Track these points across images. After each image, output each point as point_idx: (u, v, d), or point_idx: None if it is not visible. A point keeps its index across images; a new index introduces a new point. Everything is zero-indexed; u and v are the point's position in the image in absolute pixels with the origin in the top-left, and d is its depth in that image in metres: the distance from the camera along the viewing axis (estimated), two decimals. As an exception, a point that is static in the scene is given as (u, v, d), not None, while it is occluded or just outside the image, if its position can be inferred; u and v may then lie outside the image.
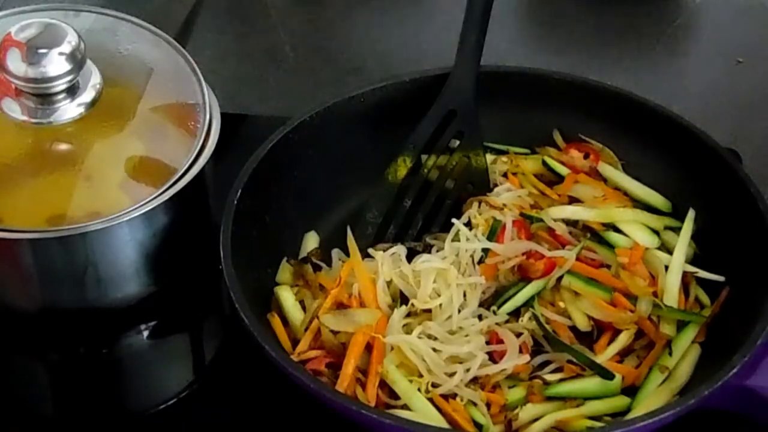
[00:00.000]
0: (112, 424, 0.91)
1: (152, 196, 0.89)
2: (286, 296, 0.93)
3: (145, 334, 0.97)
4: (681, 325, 0.91)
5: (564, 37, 1.24)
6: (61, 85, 0.90)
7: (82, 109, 0.92)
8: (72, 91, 0.92)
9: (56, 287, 0.91)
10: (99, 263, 0.90)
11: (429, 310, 0.90)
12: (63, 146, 0.93)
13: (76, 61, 0.90)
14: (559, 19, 1.26)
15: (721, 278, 0.93)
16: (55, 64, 0.89)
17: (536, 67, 1.05)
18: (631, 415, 0.86)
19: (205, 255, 0.93)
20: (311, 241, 0.99)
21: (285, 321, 0.92)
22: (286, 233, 0.98)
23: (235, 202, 0.92)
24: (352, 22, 1.26)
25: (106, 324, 0.95)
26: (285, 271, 0.96)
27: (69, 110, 0.92)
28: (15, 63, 0.89)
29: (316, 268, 0.95)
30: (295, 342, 0.90)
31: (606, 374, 0.87)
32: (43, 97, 0.91)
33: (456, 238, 0.94)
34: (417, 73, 1.04)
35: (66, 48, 0.89)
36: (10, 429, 0.91)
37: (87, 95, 0.92)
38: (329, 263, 0.96)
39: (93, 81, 0.93)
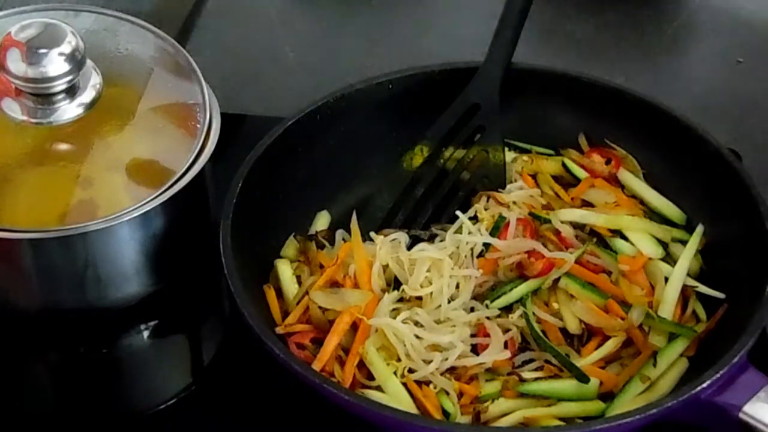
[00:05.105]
0: (112, 424, 0.91)
1: (152, 196, 0.89)
2: (284, 269, 0.95)
3: (145, 334, 0.97)
4: (672, 338, 0.90)
5: (564, 37, 1.24)
6: (60, 85, 0.90)
7: (82, 109, 0.92)
8: (72, 91, 0.92)
9: (56, 287, 0.91)
10: (99, 263, 0.90)
11: (420, 298, 0.91)
12: (63, 146, 0.92)
13: (76, 61, 0.90)
14: (559, 18, 1.26)
15: (721, 295, 0.92)
16: (55, 64, 0.89)
17: (567, 68, 1.05)
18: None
19: (205, 255, 0.93)
20: (322, 221, 1.00)
21: (281, 294, 0.93)
22: (297, 211, 0.99)
23: (250, 167, 0.93)
24: (352, 22, 1.26)
25: (106, 324, 0.95)
26: (290, 246, 0.97)
27: (69, 110, 0.92)
28: (15, 63, 0.89)
29: (321, 247, 0.96)
30: (287, 315, 0.92)
31: (582, 377, 0.87)
32: (43, 97, 0.91)
33: (459, 231, 0.95)
34: (447, 64, 1.04)
35: (66, 48, 0.89)
36: (10, 429, 0.91)
37: (87, 95, 0.92)
38: (335, 244, 0.97)
39: (93, 81, 0.93)
